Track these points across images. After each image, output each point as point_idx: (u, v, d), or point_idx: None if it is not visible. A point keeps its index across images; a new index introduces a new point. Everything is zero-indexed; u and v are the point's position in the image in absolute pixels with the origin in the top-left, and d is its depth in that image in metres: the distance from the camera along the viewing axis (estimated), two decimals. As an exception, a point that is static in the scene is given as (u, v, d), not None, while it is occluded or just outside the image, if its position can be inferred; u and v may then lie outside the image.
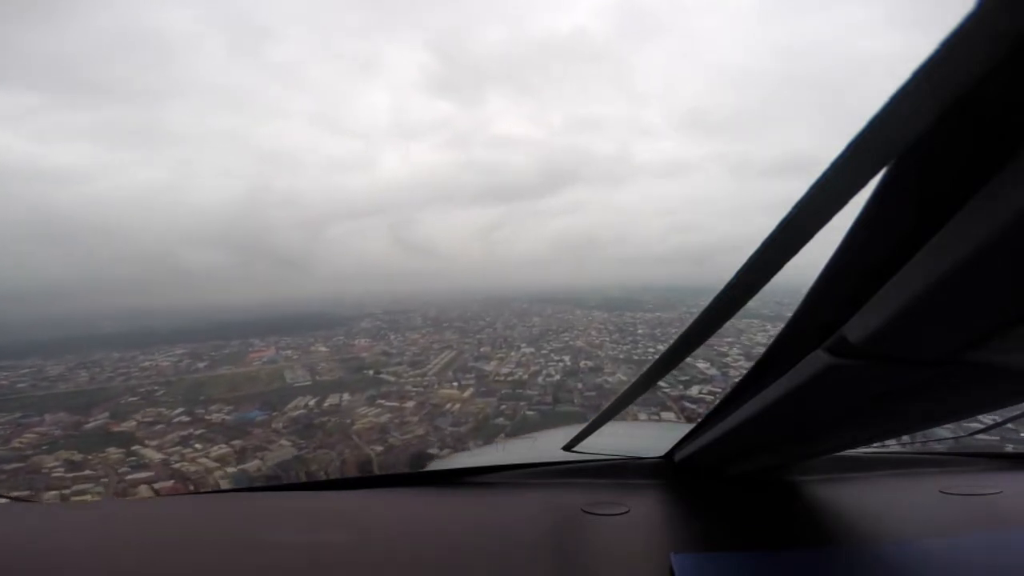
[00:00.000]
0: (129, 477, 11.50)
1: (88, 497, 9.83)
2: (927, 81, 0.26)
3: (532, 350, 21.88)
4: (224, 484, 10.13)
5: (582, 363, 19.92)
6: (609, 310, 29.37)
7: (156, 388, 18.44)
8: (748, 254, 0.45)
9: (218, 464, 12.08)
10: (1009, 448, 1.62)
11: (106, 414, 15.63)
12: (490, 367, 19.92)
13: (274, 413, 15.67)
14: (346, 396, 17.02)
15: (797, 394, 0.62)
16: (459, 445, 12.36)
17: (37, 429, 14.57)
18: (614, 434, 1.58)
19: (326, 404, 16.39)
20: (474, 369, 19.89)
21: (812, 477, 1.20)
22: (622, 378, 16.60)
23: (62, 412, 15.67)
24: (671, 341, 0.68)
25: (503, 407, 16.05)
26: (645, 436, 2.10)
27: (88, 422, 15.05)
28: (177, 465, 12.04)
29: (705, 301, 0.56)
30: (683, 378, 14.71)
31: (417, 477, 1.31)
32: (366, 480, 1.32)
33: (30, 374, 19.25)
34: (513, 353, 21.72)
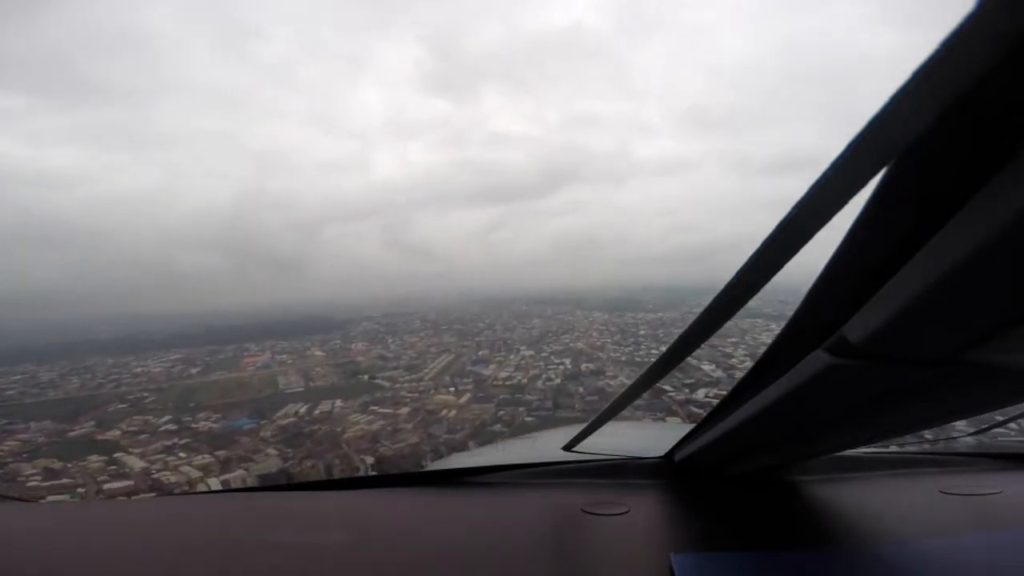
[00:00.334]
0: (107, 486, 11.21)
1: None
2: (927, 81, 0.26)
3: (531, 353, 21.40)
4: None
5: (583, 366, 19.42)
6: (610, 311, 28.83)
7: (146, 395, 18.24)
8: (748, 254, 0.45)
9: (201, 474, 11.75)
10: (1009, 448, 1.55)
11: (92, 422, 15.49)
12: (488, 371, 19.42)
13: (263, 421, 15.39)
14: (339, 403, 16.67)
15: (797, 394, 0.62)
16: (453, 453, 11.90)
17: (21, 436, 14.45)
18: (614, 434, 1.56)
19: (317, 411, 16.08)
20: (471, 373, 19.40)
21: (812, 477, 1.20)
22: (624, 381, 15.96)
23: (47, 420, 15.51)
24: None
25: (501, 413, 15.61)
26: (645, 436, 2.07)
27: (73, 430, 14.89)
28: (158, 475, 11.73)
29: (706, 301, 0.56)
30: (688, 381, 14.39)
31: (417, 477, 1.32)
32: (366, 480, 1.34)
33: (22, 380, 19.13)
34: (512, 356, 21.26)
